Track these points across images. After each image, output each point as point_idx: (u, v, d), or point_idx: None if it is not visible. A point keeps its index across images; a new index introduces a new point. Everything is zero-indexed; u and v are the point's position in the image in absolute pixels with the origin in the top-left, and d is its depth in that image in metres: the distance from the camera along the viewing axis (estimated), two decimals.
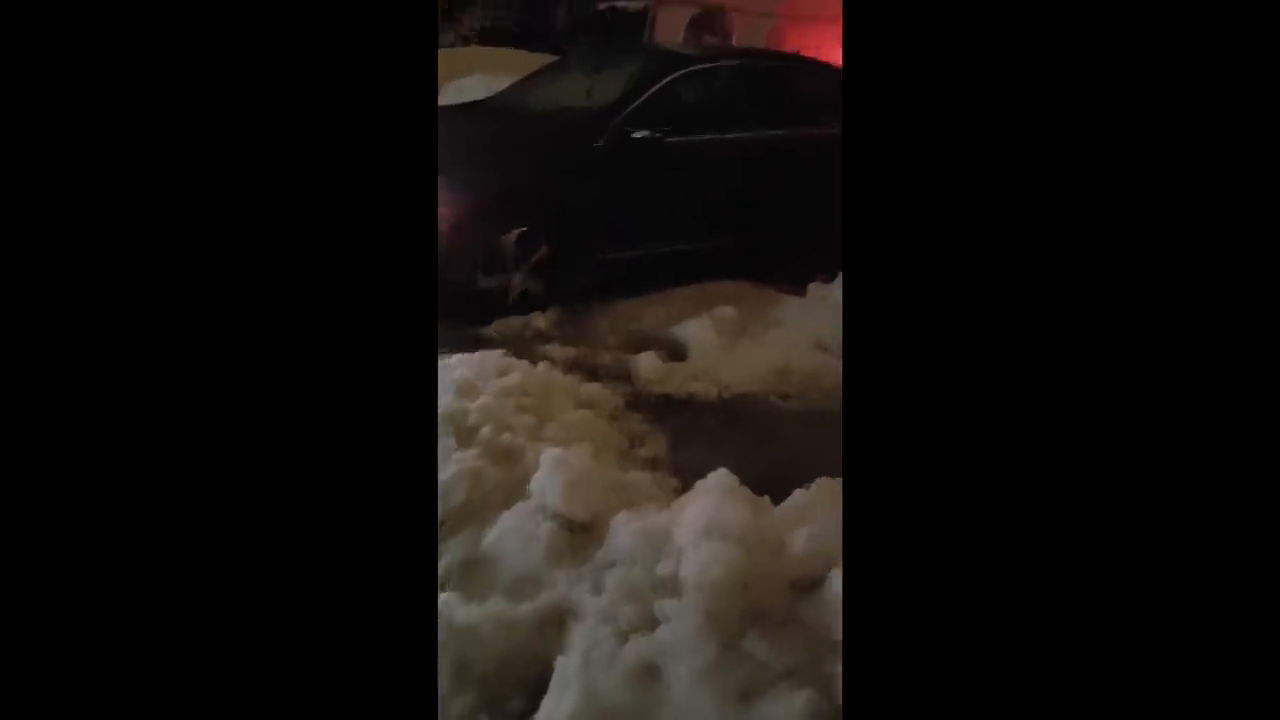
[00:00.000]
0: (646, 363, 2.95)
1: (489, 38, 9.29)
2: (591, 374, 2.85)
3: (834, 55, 4.58)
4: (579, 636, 1.47)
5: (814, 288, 3.55)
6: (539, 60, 5.65)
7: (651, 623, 1.43)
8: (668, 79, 3.73)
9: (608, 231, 3.57)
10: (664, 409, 2.72)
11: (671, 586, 1.49)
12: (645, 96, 3.64)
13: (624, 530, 1.63)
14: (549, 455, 1.85)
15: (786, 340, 3.17)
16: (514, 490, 1.87)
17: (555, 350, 3.07)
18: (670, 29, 6.68)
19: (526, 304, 3.37)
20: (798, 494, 1.76)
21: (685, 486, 1.92)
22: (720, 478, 1.75)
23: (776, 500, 1.76)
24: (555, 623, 1.55)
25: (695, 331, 3.19)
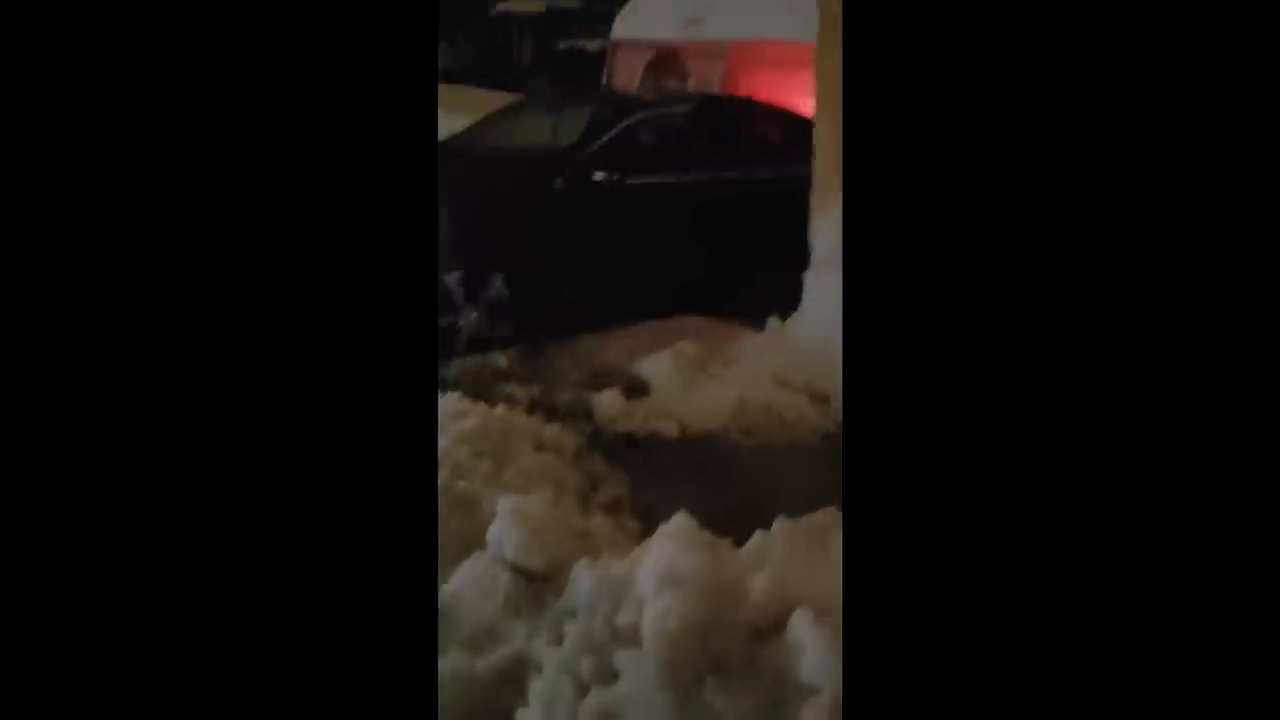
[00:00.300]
0: (608, 400, 2.94)
1: (451, 76, 9.34)
2: (552, 413, 2.84)
3: (787, 99, 4.70)
4: (539, 689, 1.45)
5: (772, 322, 3.60)
6: (500, 99, 5.71)
7: (612, 674, 1.41)
8: (624, 124, 3.81)
9: (569, 269, 3.60)
10: (625, 448, 2.71)
11: (631, 636, 1.47)
12: (602, 140, 3.71)
13: (584, 579, 1.62)
14: (506, 504, 1.83)
15: (746, 376, 3.19)
16: (472, 539, 1.84)
17: (515, 389, 3.05)
18: (628, 71, 6.79)
19: (481, 343, 3.37)
20: (758, 536, 1.76)
21: (647, 529, 1.91)
22: (680, 522, 1.74)
23: (739, 541, 1.76)
24: (515, 675, 1.53)
25: (657, 367, 3.20)
